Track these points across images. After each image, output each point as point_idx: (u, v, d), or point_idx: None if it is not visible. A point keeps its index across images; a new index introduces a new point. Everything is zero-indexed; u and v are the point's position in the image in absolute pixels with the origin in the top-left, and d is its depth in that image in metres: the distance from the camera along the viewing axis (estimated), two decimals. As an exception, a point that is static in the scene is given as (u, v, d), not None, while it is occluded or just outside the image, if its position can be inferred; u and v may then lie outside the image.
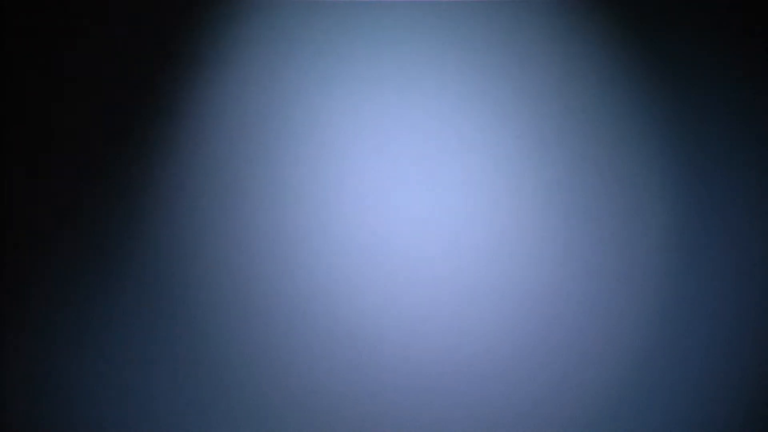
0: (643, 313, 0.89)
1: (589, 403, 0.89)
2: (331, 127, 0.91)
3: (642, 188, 0.90)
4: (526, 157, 0.90)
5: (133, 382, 0.91)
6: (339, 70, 0.91)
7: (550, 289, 0.89)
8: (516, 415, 0.89)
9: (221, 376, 0.90)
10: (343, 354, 0.89)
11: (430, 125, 0.91)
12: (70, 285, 0.91)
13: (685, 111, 0.90)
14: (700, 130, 0.90)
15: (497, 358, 0.89)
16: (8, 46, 0.90)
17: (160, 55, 0.92)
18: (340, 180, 0.90)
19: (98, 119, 0.92)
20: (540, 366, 0.89)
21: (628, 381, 0.89)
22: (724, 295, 0.89)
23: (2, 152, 0.92)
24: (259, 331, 0.90)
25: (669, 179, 0.90)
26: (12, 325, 0.91)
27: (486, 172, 0.90)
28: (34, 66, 0.92)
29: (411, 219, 0.90)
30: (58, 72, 0.92)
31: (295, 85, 0.91)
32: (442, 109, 0.91)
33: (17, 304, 0.91)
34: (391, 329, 0.89)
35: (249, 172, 0.91)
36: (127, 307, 0.91)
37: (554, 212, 0.90)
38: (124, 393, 0.90)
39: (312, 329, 0.90)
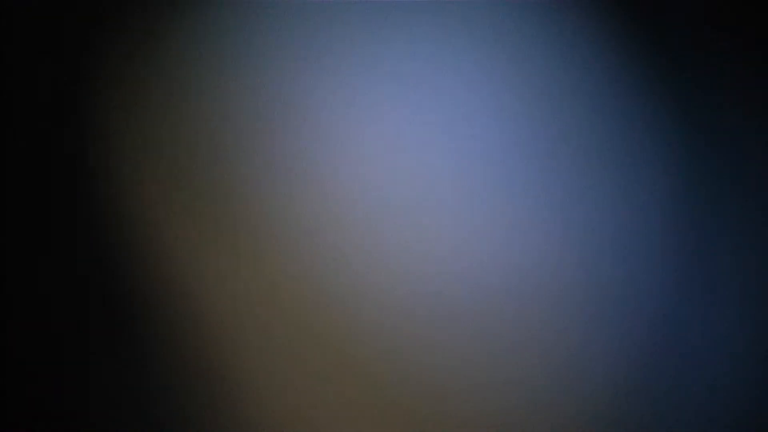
0: (647, 313, 0.89)
1: (590, 400, 0.89)
2: (329, 127, 0.91)
3: (646, 187, 0.90)
4: (529, 157, 0.90)
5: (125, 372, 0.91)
6: (338, 69, 0.91)
7: (552, 288, 0.89)
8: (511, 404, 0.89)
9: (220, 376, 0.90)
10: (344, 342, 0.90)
11: (430, 124, 0.91)
12: (64, 284, 0.91)
13: (691, 109, 0.90)
14: (706, 128, 0.90)
15: (496, 355, 0.89)
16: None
17: (159, 55, 0.92)
18: (338, 179, 0.90)
19: (93, 116, 0.92)
20: (539, 366, 0.89)
21: (629, 384, 0.89)
22: (730, 294, 0.89)
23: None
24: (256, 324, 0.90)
25: (675, 178, 0.90)
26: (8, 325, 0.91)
27: (486, 171, 0.90)
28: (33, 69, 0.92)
29: (409, 216, 0.90)
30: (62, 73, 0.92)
31: (294, 85, 0.91)
32: (442, 108, 0.91)
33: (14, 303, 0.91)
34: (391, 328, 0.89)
35: (245, 171, 0.91)
36: (121, 306, 0.91)
37: (556, 212, 0.90)
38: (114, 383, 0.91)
39: (308, 329, 0.90)
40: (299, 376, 0.90)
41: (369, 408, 0.90)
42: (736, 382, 0.89)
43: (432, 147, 0.91)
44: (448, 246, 0.90)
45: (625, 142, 0.90)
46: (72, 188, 0.92)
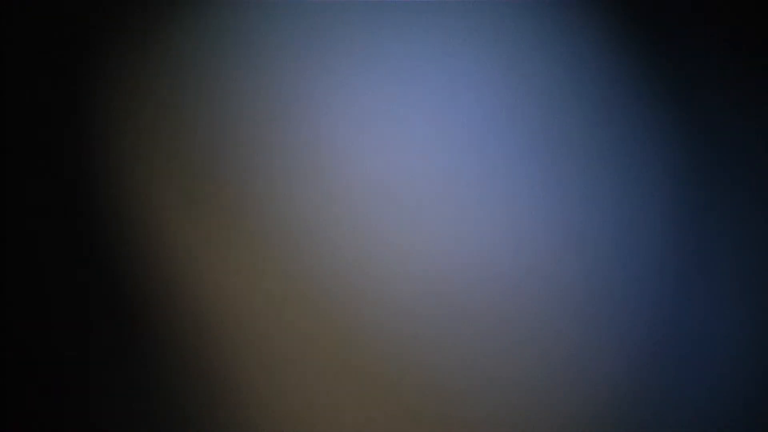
0: (647, 313, 0.89)
1: (591, 400, 0.89)
2: (330, 127, 0.91)
3: (646, 187, 0.90)
4: (529, 157, 0.90)
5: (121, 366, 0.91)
6: (338, 69, 0.91)
7: (552, 288, 0.89)
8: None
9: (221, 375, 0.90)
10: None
11: (430, 124, 0.91)
12: (65, 284, 0.91)
13: (691, 109, 0.90)
14: (706, 128, 0.90)
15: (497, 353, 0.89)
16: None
17: (159, 55, 0.92)
18: (338, 178, 0.90)
19: (93, 116, 0.92)
20: (539, 366, 0.89)
21: (629, 384, 0.89)
22: (730, 294, 0.89)
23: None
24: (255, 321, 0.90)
25: (675, 178, 0.90)
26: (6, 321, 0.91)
27: (486, 172, 0.90)
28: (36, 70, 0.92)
29: (410, 215, 0.90)
30: (69, 72, 0.92)
31: (294, 85, 0.91)
32: (442, 108, 0.91)
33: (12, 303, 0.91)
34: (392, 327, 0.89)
35: (245, 171, 0.91)
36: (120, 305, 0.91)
37: (556, 212, 0.90)
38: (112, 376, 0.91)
39: (306, 327, 0.90)
40: (299, 376, 0.90)
41: (369, 408, 0.90)
42: (736, 382, 0.89)
43: (432, 147, 0.91)
44: (448, 246, 0.90)
45: (625, 142, 0.90)
46: (72, 188, 0.92)
